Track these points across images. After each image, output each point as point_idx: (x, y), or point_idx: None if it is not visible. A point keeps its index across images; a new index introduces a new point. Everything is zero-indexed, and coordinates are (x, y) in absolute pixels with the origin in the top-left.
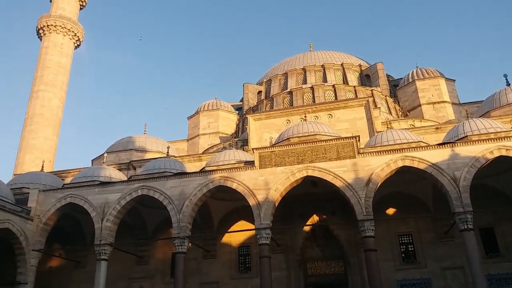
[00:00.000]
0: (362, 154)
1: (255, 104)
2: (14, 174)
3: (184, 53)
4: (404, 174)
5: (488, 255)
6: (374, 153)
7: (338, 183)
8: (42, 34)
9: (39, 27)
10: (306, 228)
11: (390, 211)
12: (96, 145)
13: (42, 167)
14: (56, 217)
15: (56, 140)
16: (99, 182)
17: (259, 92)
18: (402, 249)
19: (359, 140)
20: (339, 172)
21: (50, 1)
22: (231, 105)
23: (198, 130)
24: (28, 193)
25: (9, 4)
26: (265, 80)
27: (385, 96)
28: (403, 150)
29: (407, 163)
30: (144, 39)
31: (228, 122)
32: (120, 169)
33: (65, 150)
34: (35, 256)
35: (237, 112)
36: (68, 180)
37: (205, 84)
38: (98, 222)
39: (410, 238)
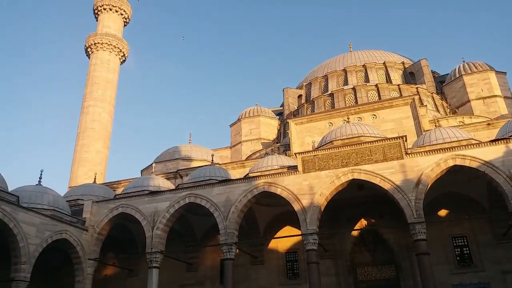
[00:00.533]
0: (410, 155)
1: (296, 108)
2: (69, 187)
3: (223, 62)
4: (456, 174)
5: None
6: (423, 153)
7: (386, 186)
8: (90, 52)
9: (87, 45)
10: (354, 233)
11: (443, 212)
12: (144, 155)
13: (95, 179)
14: (109, 227)
15: (106, 152)
16: (148, 192)
17: (299, 96)
18: (456, 252)
19: (406, 140)
20: (387, 174)
21: (97, 20)
22: (272, 111)
23: (240, 137)
24: (83, 204)
25: (59, 24)
26: (305, 83)
27: (431, 93)
28: (453, 149)
29: (458, 162)
30: (183, 50)
31: (269, 128)
32: (167, 178)
33: (115, 162)
34: (91, 264)
35: (278, 117)
36: (119, 190)
37: (246, 91)
38: (149, 230)
39: (465, 240)
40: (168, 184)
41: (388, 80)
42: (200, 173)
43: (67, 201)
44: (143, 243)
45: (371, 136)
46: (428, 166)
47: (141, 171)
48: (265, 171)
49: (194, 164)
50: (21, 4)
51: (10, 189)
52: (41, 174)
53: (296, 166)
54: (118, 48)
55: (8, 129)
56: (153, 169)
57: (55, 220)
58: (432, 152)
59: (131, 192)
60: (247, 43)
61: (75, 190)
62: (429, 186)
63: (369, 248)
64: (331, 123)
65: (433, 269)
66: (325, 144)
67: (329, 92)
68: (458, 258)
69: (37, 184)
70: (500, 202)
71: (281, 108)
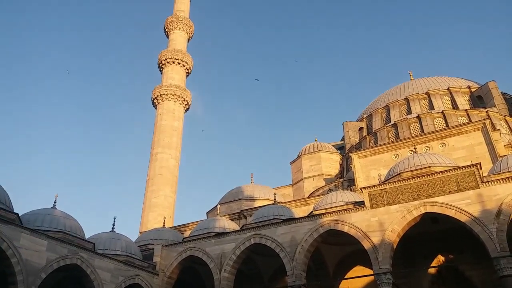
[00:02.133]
0: (487, 183)
1: (357, 141)
2: (140, 232)
3: (281, 97)
4: None
5: None
6: (501, 181)
7: (462, 218)
8: (156, 103)
9: (153, 97)
10: (432, 270)
11: None
12: (209, 198)
13: (164, 223)
14: (178, 270)
15: (174, 197)
16: (214, 233)
17: (360, 128)
18: None
19: (481, 168)
20: (462, 205)
21: (161, 73)
22: (332, 145)
23: (302, 174)
24: (153, 249)
25: (127, 80)
26: (365, 115)
27: (504, 116)
28: None
29: None
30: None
31: (330, 163)
32: (232, 219)
33: (182, 206)
34: None
35: (339, 151)
36: (186, 233)
37: (305, 126)
38: (217, 273)
39: None
40: (233, 225)
41: (455, 106)
42: (264, 213)
43: (138, 246)
44: (212, 285)
45: (441, 166)
46: (509, 194)
47: (207, 213)
48: (330, 208)
49: (257, 203)
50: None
51: (86, 236)
52: (114, 221)
53: (363, 201)
54: (182, 97)
55: (83, 179)
56: (218, 211)
57: (128, 265)
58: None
59: (198, 235)
60: (303, 77)
61: (145, 235)
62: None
63: (449, 286)
64: (397, 154)
65: None
66: (393, 177)
67: (392, 122)
68: None
69: (111, 231)
70: None
71: (342, 142)
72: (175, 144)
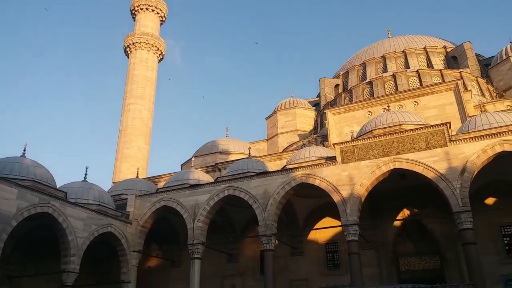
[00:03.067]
0: (455, 142)
1: (333, 98)
2: (113, 182)
3: (258, 54)
4: (505, 160)
5: None
6: (468, 140)
7: (429, 174)
8: (129, 52)
9: (126, 45)
10: (397, 223)
11: (490, 201)
12: (184, 151)
13: (137, 174)
14: (152, 220)
15: (148, 148)
16: (189, 185)
17: (336, 85)
18: (506, 242)
19: (450, 127)
20: (430, 162)
21: (134, 20)
22: (308, 102)
23: (277, 129)
24: (126, 199)
25: (99, 27)
26: (341, 72)
27: (476, 77)
28: (501, 134)
29: (507, 148)
30: (218, 42)
31: (305, 119)
32: (206, 172)
33: (156, 157)
34: (135, 256)
35: (314, 108)
36: (160, 184)
37: (282, 83)
38: (190, 222)
39: None
40: (207, 178)
41: (430, 65)
42: (238, 166)
43: (111, 196)
44: (185, 235)
45: (413, 124)
46: (474, 153)
47: (181, 165)
48: (303, 162)
49: (232, 157)
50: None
51: (58, 185)
52: (86, 171)
53: (335, 157)
54: (156, 46)
55: (54, 128)
56: (192, 163)
57: (100, 214)
58: (478, 138)
59: (172, 186)
60: (283, 34)
61: (118, 185)
62: (475, 173)
63: (412, 238)
64: (370, 112)
65: (480, 260)
66: (365, 133)
67: (368, 80)
68: (507, 248)
69: (83, 181)
70: None
71: (318, 98)
72: (148, 95)
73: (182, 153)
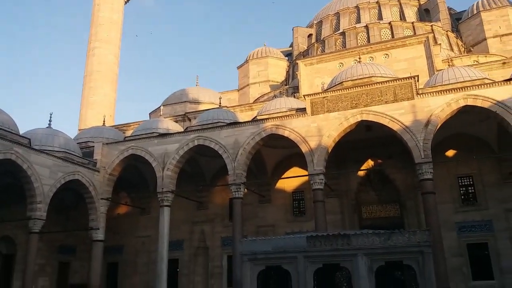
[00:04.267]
0: (421, 95)
1: (306, 48)
2: (79, 130)
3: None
4: (467, 115)
5: None
6: (434, 93)
7: (395, 127)
8: None
9: None
10: (361, 173)
11: (450, 153)
12: (152, 99)
13: (104, 121)
14: (120, 168)
15: (114, 95)
16: (158, 134)
17: (310, 35)
18: (462, 192)
19: (418, 80)
20: (396, 115)
21: None
22: (281, 51)
23: (248, 79)
24: (93, 146)
25: None
26: (315, 22)
27: (446, 31)
28: (466, 89)
29: (470, 102)
30: None
31: (278, 70)
32: (176, 121)
33: (124, 105)
34: (103, 204)
35: (287, 58)
36: (128, 133)
37: (255, 31)
38: (159, 171)
39: (471, 180)
40: (176, 127)
41: (402, 17)
42: (208, 116)
43: (77, 143)
44: (155, 183)
45: (382, 76)
46: (439, 107)
47: (149, 114)
48: (273, 113)
49: (202, 107)
50: None
51: (21, 132)
52: (50, 117)
53: (305, 108)
54: None
55: (16, 72)
56: (161, 112)
57: (67, 162)
58: (443, 92)
59: (141, 135)
60: None
61: (85, 132)
62: (438, 126)
63: (375, 188)
64: (341, 63)
65: (437, 208)
66: (335, 85)
67: (341, 30)
68: (463, 197)
69: (47, 127)
70: (509, 142)
71: (290, 48)
72: (114, 39)
73: (150, 102)
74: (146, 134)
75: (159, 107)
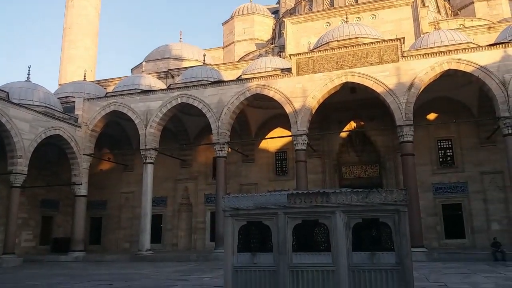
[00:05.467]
0: (406, 58)
1: (293, 6)
2: (59, 84)
3: None
4: (450, 78)
5: None
6: (419, 56)
7: (378, 89)
8: None
9: None
10: (343, 135)
11: (431, 116)
12: (135, 54)
13: (85, 76)
14: (102, 124)
15: (95, 49)
16: (140, 91)
17: None
18: (440, 154)
19: (403, 43)
20: (380, 77)
21: None
22: (267, 8)
23: (233, 36)
24: (74, 102)
25: None
26: None
27: None
28: (450, 52)
29: (453, 66)
30: None
31: (264, 27)
32: (158, 78)
33: (105, 60)
34: (86, 160)
35: (273, 16)
36: (110, 89)
37: None
38: (142, 128)
39: (450, 143)
40: (159, 84)
41: None
42: (192, 74)
43: (58, 98)
44: (138, 140)
45: (368, 38)
46: (423, 70)
47: (132, 70)
48: (258, 73)
49: (185, 64)
50: None
51: None
52: (29, 70)
53: (290, 68)
54: None
55: None
56: (143, 68)
57: (47, 117)
58: (428, 55)
59: (123, 91)
60: None
61: (65, 87)
62: (421, 90)
63: (356, 149)
64: (328, 23)
65: (416, 169)
66: (321, 45)
67: None
68: (441, 159)
69: (26, 81)
70: (489, 107)
71: (277, 5)
72: None
73: (133, 57)
74: (129, 91)
75: (141, 63)
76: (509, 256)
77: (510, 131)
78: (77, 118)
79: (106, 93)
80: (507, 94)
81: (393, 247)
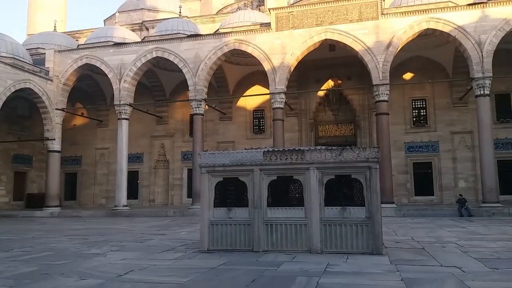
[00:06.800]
0: (386, 15)
1: None
2: (28, 35)
3: None
4: (428, 38)
5: (499, 120)
6: (398, 14)
7: (357, 47)
8: None
9: None
10: (320, 93)
11: (407, 76)
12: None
13: (55, 27)
14: (74, 78)
15: None
16: (113, 43)
17: None
18: (414, 114)
19: (384, 0)
20: (360, 35)
21: None
22: None
23: None
24: (44, 53)
25: None
26: None
27: None
28: (430, 11)
29: (432, 25)
30: None
31: None
32: (132, 30)
33: (77, 11)
34: (59, 114)
35: None
36: (81, 41)
37: None
38: (116, 83)
39: (424, 103)
40: (133, 36)
41: None
42: (167, 26)
43: (26, 49)
44: (112, 95)
45: None
46: (402, 28)
47: (104, 21)
48: (237, 27)
49: (161, 15)
50: None
51: None
52: None
53: (270, 23)
54: None
55: None
56: (117, 20)
57: (16, 69)
58: (408, 13)
59: (95, 43)
60: None
61: (34, 38)
62: (399, 48)
63: (332, 108)
64: None
65: (390, 128)
66: (302, 0)
67: None
68: (414, 119)
69: None
70: (464, 67)
71: None
72: None
73: (105, 8)
74: (101, 43)
75: (115, 13)
76: (473, 212)
77: (482, 92)
78: (48, 71)
79: (78, 45)
80: (482, 55)
81: (363, 203)
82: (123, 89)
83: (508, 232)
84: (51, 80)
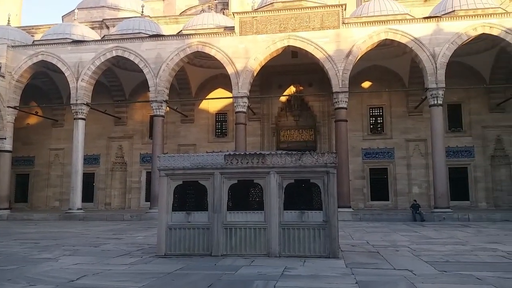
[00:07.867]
0: (346, 25)
1: None
2: None
3: None
4: (386, 48)
5: (451, 129)
6: (358, 24)
7: (318, 55)
8: None
9: None
10: (283, 99)
11: (366, 84)
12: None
13: (9, 21)
14: (29, 75)
15: None
16: (71, 40)
17: None
18: (371, 121)
19: (345, 9)
20: (321, 43)
21: None
22: None
23: None
24: None
25: None
26: None
27: None
28: (388, 22)
29: (390, 36)
30: None
31: None
32: (92, 28)
33: (32, 5)
34: (10, 112)
35: None
36: (38, 36)
37: None
38: (73, 81)
39: (381, 111)
40: (93, 34)
41: None
42: (129, 25)
43: None
44: (68, 94)
45: (312, 1)
46: (361, 38)
47: (63, 17)
48: (201, 29)
49: (122, 14)
50: None
51: None
52: None
53: (233, 27)
54: None
55: None
56: (76, 16)
57: None
58: (367, 24)
59: (52, 39)
60: None
61: None
62: (358, 57)
63: (294, 113)
64: None
65: (348, 135)
66: (266, 5)
67: None
68: (371, 126)
69: None
70: (419, 78)
71: None
72: None
73: (64, 3)
74: (59, 40)
75: (74, 10)
76: (426, 216)
77: (436, 102)
78: (0, 67)
79: (34, 41)
80: (436, 66)
81: (321, 207)
82: (80, 88)
83: (457, 236)
84: (3, 77)
